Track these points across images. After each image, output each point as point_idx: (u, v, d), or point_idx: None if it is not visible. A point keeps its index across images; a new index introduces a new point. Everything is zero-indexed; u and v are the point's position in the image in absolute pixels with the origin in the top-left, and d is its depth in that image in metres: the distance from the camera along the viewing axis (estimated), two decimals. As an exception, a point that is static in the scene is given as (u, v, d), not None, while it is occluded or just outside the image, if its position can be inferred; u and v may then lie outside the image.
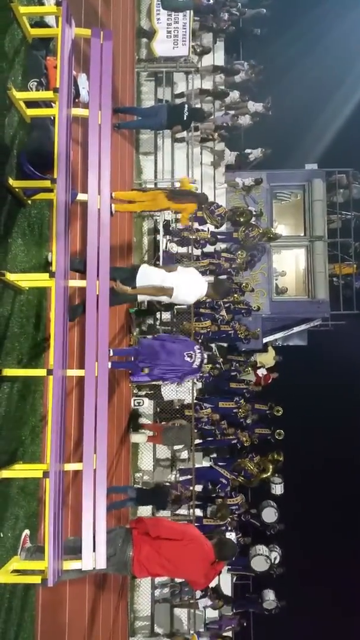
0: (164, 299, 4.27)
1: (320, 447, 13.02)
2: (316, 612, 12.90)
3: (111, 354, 6.55)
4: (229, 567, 9.12)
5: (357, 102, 15.87)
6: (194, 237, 8.93)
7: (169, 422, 8.15)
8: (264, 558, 9.12)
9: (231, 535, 8.33)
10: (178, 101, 10.20)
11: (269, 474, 9.26)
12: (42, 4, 4.00)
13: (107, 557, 3.16)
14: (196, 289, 4.29)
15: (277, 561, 9.30)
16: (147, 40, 9.78)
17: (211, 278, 4.39)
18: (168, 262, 8.49)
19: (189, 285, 4.23)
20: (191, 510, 7.71)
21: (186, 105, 7.76)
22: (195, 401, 8.32)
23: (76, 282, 3.79)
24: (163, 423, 8.45)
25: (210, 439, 9.01)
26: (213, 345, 9.82)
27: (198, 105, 10.41)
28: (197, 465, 8.13)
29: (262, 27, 13.08)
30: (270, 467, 9.28)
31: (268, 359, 10.44)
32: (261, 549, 9.26)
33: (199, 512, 8.46)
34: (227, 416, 9.00)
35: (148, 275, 4.20)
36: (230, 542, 3.84)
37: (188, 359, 5.92)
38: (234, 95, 11.51)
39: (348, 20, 15.49)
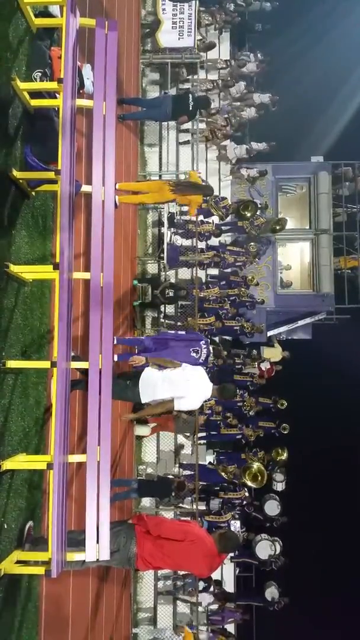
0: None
1: (324, 441, 13.01)
2: (319, 608, 12.94)
3: (115, 342, 6.59)
4: (232, 556, 9.15)
5: (364, 94, 15.72)
6: (199, 229, 8.89)
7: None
8: (268, 543, 9.16)
9: (236, 525, 8.34)
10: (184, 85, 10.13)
11: (257, 483, 9.11)
12: (47, -7, 3.96)
13: (111, 553, 3.17)
14: (199, 394, 4.29)
15: (278, 552, 9.31)
16: (151, 31, 9.69)
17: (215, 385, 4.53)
18: (172, 255, 8.46)
19: (192, 394, 4.24)
20: (194, 505, 7.74)
21: (191, 95, 7.68)
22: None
23: (80, 275, 3.78)
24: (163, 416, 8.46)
25: (214, 432, 9.00)
26: (217, 338, 9.80)
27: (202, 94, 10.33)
28: (200, 462, 8.13)
29: (269, 20, 12.96)
30: (261, 478, 9.11)
31: (275, 353, 10.41)
32: (266, 535, 9.31)
33: (201, 507, 8.48)
34: (231, 409, 8.98)
35: (150, 379, 4.26)
36: (233, 535, 3.83)
37: (194, 355, 5.91)
38: (240, 86, 11.41)
39: (356, 14, 15.30)
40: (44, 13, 3.82)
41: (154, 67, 10.00)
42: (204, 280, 9.59)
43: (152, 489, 7.00)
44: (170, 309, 9.22)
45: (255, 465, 8.82)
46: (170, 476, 8.14)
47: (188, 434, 8.18)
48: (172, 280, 9.32)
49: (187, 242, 9.28)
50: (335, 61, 15.03)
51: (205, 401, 8.59)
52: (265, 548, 9.19)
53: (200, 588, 8.12)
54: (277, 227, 10.86)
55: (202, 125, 10.35)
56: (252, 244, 10.22)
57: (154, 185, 7.14)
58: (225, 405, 8.89)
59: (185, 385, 4.21)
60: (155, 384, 4.23)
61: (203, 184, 7.66)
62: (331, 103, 15.56)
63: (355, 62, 15.63)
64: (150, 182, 7.33)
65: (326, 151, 13.33)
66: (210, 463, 8.92)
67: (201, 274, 9.62)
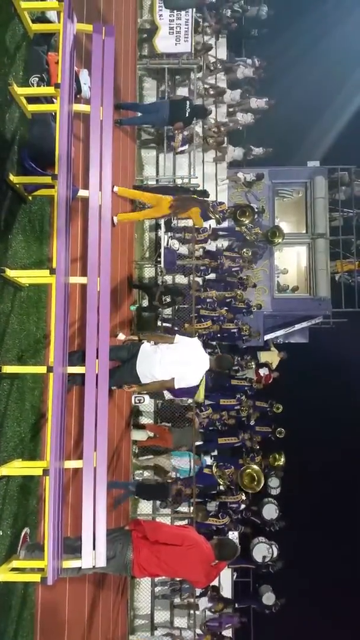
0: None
1: (321, 445, 13.00)
2: (317, 611, 12.91)
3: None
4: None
5: (360, 100, 15.80)
6: (196, 235, 8.91)
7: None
8: (265, 547, 9.13)
9: (233, 535, 8.31)
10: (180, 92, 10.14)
11: (254, 487, 8.99)
12: (44, -1, 3.97)
13: (107, 559, 3.15)
14: (198, 371, 4.27)
15: (275, 555, 9.28)
16: (148, 36, 9.72)
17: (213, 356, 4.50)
18: (169, 259, 8.46)
19: (190, 373, 4.23)
20: (192, 508, 7.70)
21: (188, 102, 7.73)
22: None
23: (77, 279, 3.77)
24: (164, 424, 8.43)
25: (211, 437, 8.95)
26: (214, 342, 9.79)
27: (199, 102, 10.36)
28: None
29: (265, 26, 13.06)
30: (258, 481, 9.00)
31: (273, 358, 10.40)
32: (263, 539, 9.28)
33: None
34: (228, 411, 8.95)
35: (147, 353, 4.23)
36: (231, 542, 3.82)
37: None
38: (235, 95, 11.44)
39: (352, 19, 15.40)
40: (42, 19, 3.82)
41: (151, 72, 10.02)
42: (201, 283, 9.59)
43: (150, 494, 6.96)
44: (167, 312, 9.20)
45: (252, 467, 8.79)
46: (168, 481, 8.11)
47: (185, 447, 8.11)
48: (169, 282, 9.33)
49: (184, 247, 9.29)
50: (332, 66, 15.10)
51: (202, 410, 8.62)
52: (263, 551, 9.17)
53: (198, 594, 8.08)
54: (275, 240, 10.89)
55: (198, 129, 10.37)
56: (244, 249, 10.23)
57: (153, 198, 7.15)
58: (222, 408, 8.86)
59: (183, 366, 4.19)
60: (153, 364, 4.18)
61: (200, 189, 7.68)
62: (327, 108, 15.62)
63: (351, 68, 15.71)
64: (149, 195, 7.33)
65: (322, 156, 13.38)
66: (207, 466, 8.88)
67: (198, 279, 9.62)
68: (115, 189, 6.90)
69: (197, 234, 9.05)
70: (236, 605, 9.18)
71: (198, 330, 8.54)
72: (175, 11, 9.11)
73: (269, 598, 9.24)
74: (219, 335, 9.35)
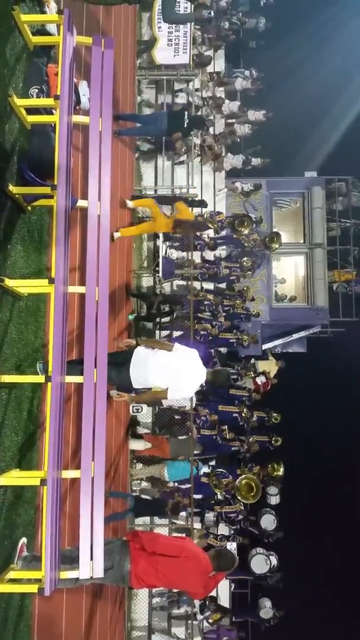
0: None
1: (319, 454, 12.97)
2: (317, 614, 12.79)
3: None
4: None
5: (357, 111, 15.97)
6: (194, 235, 8.99)
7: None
8: (263, 558, 9.03)
9: (231, 546, 8.25)
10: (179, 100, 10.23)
11: (252, 497, 8.93)
12: (44, 12, 4.02)
13: (105, 570, 3.13)
14: (193, 381, 4.13)
15: (274, 566, 9.20)
16: (147, 48, 9.83)
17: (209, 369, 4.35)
18: (167, 268, 8.50)
19: (185, 383, 4.09)
20: (189, 521, 7.66)
21: (186, 112, 7.82)
22: (194, 407, 8.27)
23: (76, 289, 3.78)
24: (161, 435, 8.39)
25: (210, 447, 8.91)
26: (212, 351, 9.78)
27: (198, 113, 10.44)
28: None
29: (262, 38, 13.23)
30: (256, 491, 8.93)
31: (271, 366, 10.40)
32: (261, 549, 9.19)
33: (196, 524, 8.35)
34: (227, 421, 8.91)
35: (141, 357, 4.12)
36: (229, 553, 3.79)
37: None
38: (234, 106, 11.55)
39: (349, 29, 15.62)
40: (42, 31, 3.88)
41: (149, 83, 10.12)
42: (198, 288, 9.62)
43: (147, 509, 6.90)
44: (165, 319, 9.21)
45: (249, 477, 8.74)
46: (167, 490, 8.07)
47: (183, 457, 8.07)
48: (167, 290, 9.35)
49: (182, 254, 9.33)
50: (329, 78, 15.30)
51: (199, 405, 8.59)
52: (261, 562, 9.08)
53: (196, 607, 8.01)
54: (273, 245, 10.95)
55: (197, 141, 10.44)
56: (245, 258, 10.27)
57: (157, 213, 7.32)
58: (221, 416, 8.83)
59: (178, 375, 4.03)
60: (147, 369, 4.05)
61: (199, 220, 7.79)
62: (325, 119, 15.79)
63: (348, 79, 15.91)
64: (147, 224, 7.56)
65: (320, 166, 13.50)
66: (205, 474, 8.82)
67: (196, 285, 9.66)
68: (117, 235, 7.02)
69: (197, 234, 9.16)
70: (233, 619, 9.07)
71: (196, 328, 8.54)
72: (173, 24, 9.24)
73: (266, 613, 9.13)
74: (218, 343, 9.35)
